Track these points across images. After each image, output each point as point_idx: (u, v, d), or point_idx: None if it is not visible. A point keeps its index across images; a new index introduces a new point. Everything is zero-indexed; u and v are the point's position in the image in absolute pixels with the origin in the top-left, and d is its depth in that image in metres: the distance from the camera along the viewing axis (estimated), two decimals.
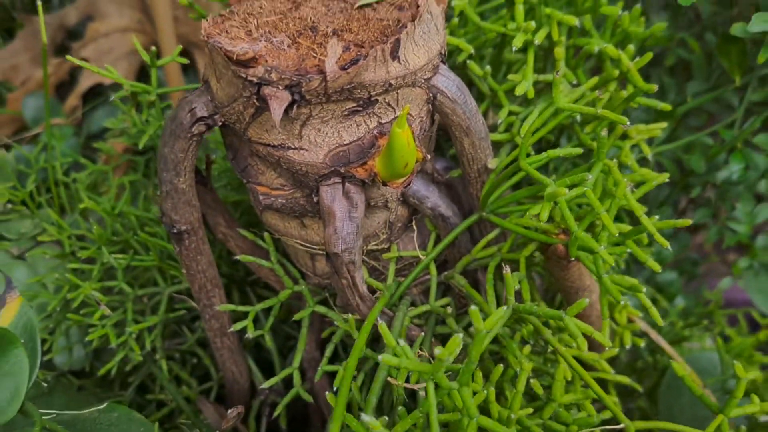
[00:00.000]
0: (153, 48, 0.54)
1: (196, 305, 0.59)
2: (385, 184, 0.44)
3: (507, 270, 0.41)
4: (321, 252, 0.53)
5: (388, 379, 0.41)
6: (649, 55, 0.48)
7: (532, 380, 0.49)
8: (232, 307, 0.55)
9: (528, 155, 0.44)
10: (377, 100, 0.42)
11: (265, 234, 0.54)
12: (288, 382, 0.65)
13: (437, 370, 0.34)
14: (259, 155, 0.46)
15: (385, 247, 0.53)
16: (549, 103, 0.47)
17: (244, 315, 0.63)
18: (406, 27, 0.41)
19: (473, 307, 0.32)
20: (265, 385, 0.54)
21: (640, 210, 0.41)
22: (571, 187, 0.41)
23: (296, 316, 0.54)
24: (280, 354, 0.74)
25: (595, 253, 0.40)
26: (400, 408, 0.43)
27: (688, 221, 0.43)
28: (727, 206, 0.71)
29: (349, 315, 0.52)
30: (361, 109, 0.42)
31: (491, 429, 0.37)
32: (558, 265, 0.49)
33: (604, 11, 0.48)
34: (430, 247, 0.54)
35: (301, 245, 0.53)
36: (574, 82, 0.50)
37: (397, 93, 0.43)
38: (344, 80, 0.39)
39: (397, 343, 0.36)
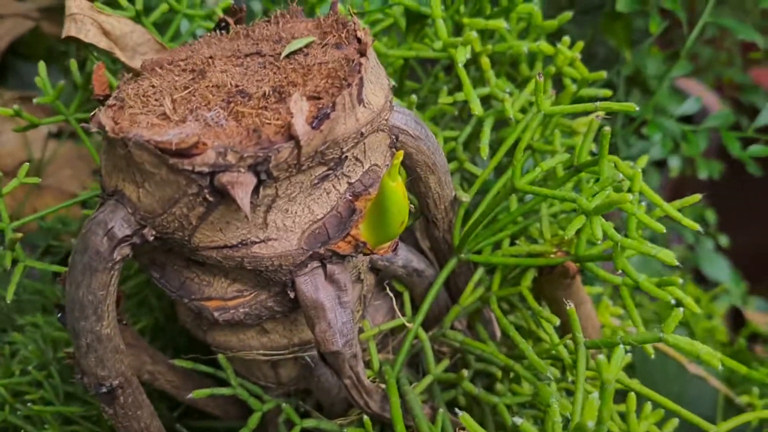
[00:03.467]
0: None
1: None
2: (371, 252, 0.37)
3: (570, 305, 0.35)
4: (289, 356, 0.44)
5: None
6: (580, 45, 0.45)
7: None
8: None
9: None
10: (347, 157, 0.35)
11: (219, 356, 0.44)
12: None
13: None
14: (202, 263, 0.37)
15: (361, 325, 0.45)
16: (531, 112, 0.42)
17: None
18: (361, 64, 0.34)
19: (601, 356, 0.26)
20: None
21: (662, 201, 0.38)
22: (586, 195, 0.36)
23: None
24: None
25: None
26: None
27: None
28: None
29: (341, 420, 0.44)
30: (331, 171, 0.34)
31: None
32: (561, 285, 0.44)
33: (522, 10, 0.45)
34: (408, 311, 0.47)
35: (264, 355, 0.43)
36: (508, 90, 0.46)
37: (365, 143, 0.36)
38: (318, 141, 0.31)
39: None
